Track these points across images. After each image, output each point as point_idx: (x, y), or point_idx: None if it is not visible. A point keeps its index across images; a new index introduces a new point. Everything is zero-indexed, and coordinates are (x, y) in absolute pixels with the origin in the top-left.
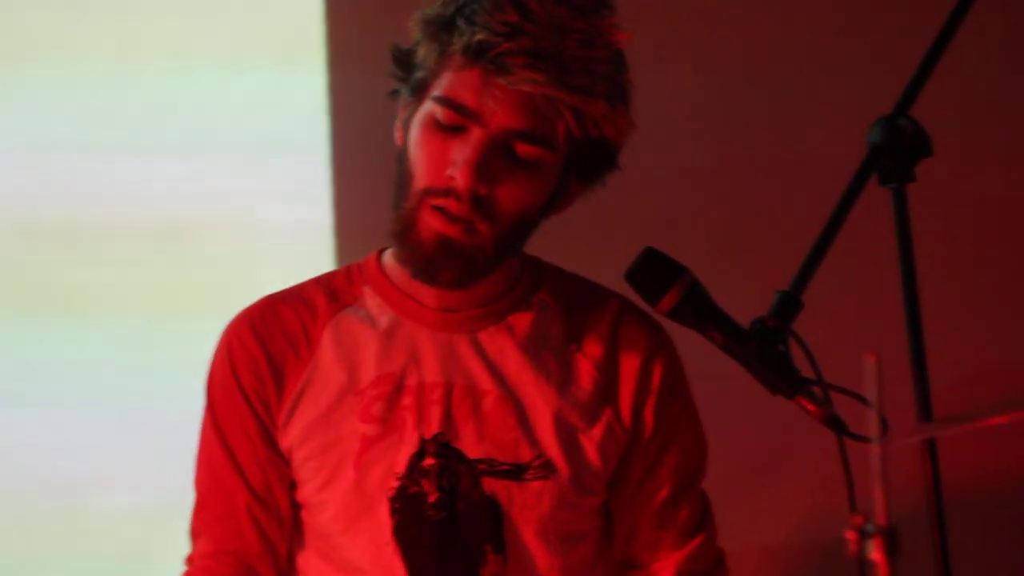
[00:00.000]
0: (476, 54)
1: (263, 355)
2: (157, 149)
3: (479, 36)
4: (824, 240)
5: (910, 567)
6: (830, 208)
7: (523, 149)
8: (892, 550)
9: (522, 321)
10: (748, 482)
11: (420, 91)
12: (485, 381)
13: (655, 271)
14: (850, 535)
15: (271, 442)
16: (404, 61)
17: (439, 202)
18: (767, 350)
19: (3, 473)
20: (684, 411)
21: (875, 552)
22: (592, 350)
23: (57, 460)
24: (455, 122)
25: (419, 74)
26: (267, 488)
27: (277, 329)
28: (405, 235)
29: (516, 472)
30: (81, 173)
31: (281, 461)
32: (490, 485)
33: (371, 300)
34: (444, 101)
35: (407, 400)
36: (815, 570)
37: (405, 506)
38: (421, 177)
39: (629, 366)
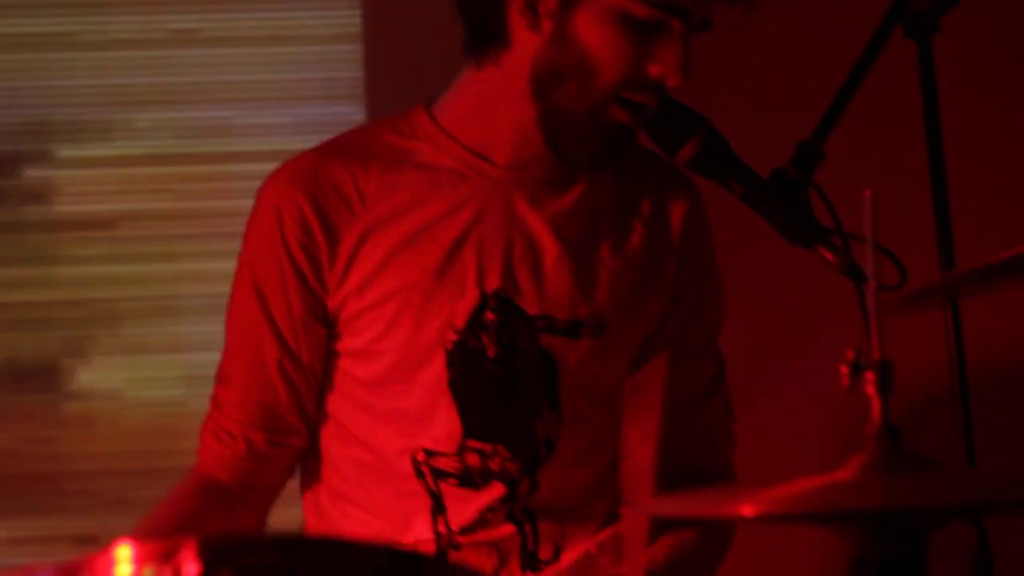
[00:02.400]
0: None
1: (314, 212)
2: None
3: None
4: (847, 91)
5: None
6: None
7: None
8: (885, 386)
9: (579, 182)
10: (768, 342)
11: None
12: (545, 238)
13: (674, 122)
14: (843, 369)
15: (311, 301)
16: None
17: (638, 97)
18: (787, 200)
19: None
20: (714, 268)
21: (868, 386)
22: (642, 209)
23: None
24: (656, 18)
25: None
26: (298, 344)
27: (328, 185)
28: (575, 126)
29: (572, 330)
30: None
31: (315, 321)
32: (548, 342)
33: (428, 154)
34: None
35: (468, 253)
36: (834, 434)
37: (463, 359)
38: (614, 72)
39: (674, 224)
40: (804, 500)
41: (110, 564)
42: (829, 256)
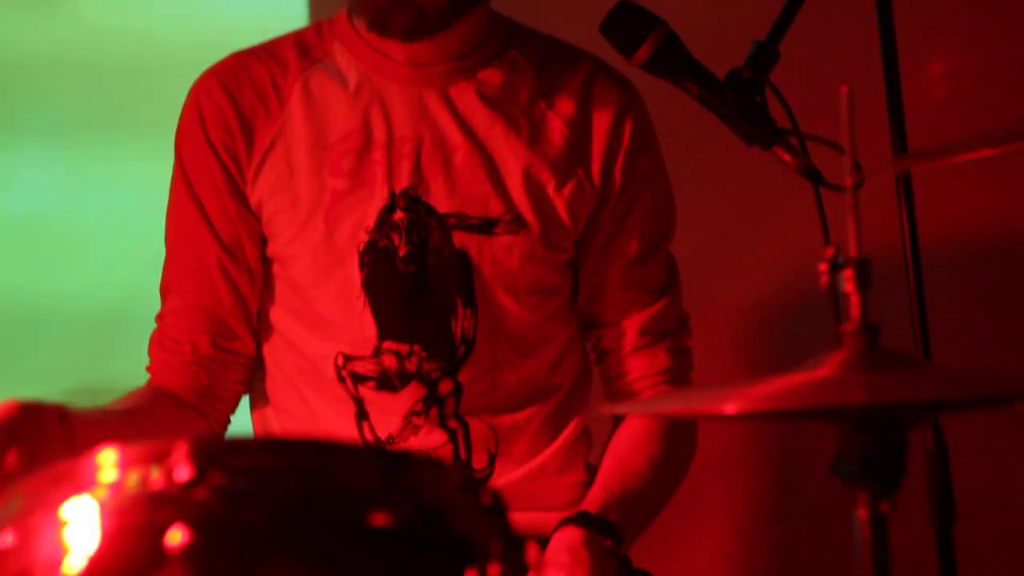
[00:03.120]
0: None
1: (232, 109)
2: None
3: None
4: None
5: (887, 308)
6: None
7: None
8: (863, 281)
9: (493, 77)
10: (722, 243)
11: None
12: (455, 136)
13: (630, 22)
14: (822, 267)
15: (240, 196)
16: None
17: None
18: (743, 101)
19: None
20: (654, 169)
21: (847, 283)
22: (563, 108)
23: None
24: None
25: None
26: (237, 242)
27: (247, 83)
28: None
29: (486, 226)
30: None
31: (250, 215)
32: (460, 239)
33: (341, 56)
34: None
35: (376, 154)
36: (790, 328)
37: (375, 259)
38: None
39: (600, 123)
40: (786, 397)
41: (96, 468)
42: (786, 157)
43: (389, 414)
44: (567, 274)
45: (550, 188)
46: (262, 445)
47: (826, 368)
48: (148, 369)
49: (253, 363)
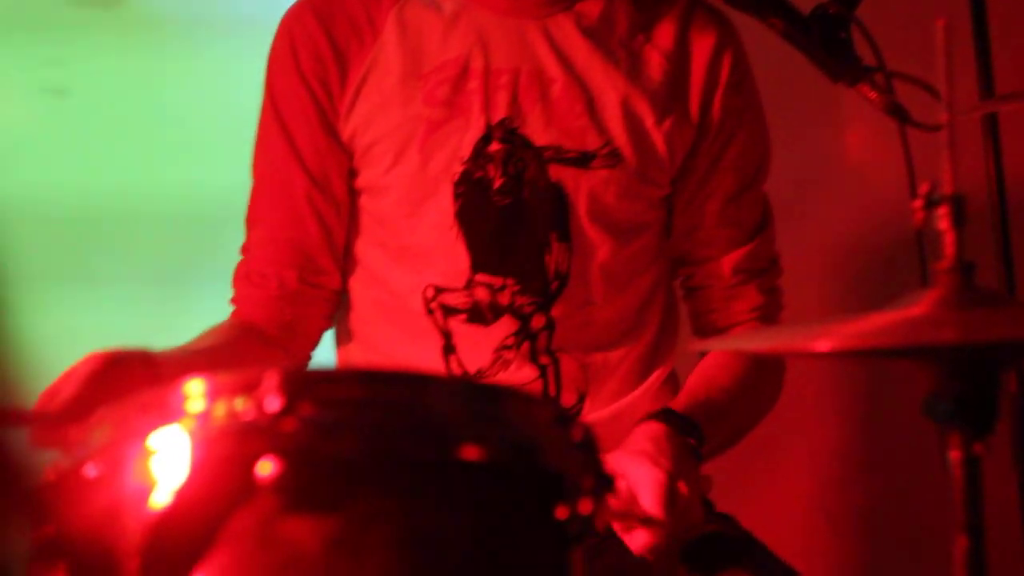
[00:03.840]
0: None
1: (326, 40)
2: None
3: None
4: None
5: (971, 249)
6: None
7: None
8: (959, 219)
9: (591, 9)
10: (807, 185)
11: None
12: (553, 68)
13: None
14: (916, 204)
15: (331, 128)
16: None
17: None
18: (829, 37)
19: None
20: (750, 106)
21: (942, 221)
22: (662, 41)
23: None
24: None
25: None
26: (325, 175)
27: (340, 14)
28: None
29: (583, 160)
30: None
31: (339, 148)
32: (557, 172)
33: None
34: None
35: (473, 85)
36: (876, 270)
37: (469, 191)
38: None
39: (699, 58)
40: (879, 335)
41: (184, 399)
42: (872, 94)
43: (479, 348)
44: (661, 211)
45: (649, 122)
46: (353, 376)
47: (919, 307)
48: (232, 301)
49: (338, 298)
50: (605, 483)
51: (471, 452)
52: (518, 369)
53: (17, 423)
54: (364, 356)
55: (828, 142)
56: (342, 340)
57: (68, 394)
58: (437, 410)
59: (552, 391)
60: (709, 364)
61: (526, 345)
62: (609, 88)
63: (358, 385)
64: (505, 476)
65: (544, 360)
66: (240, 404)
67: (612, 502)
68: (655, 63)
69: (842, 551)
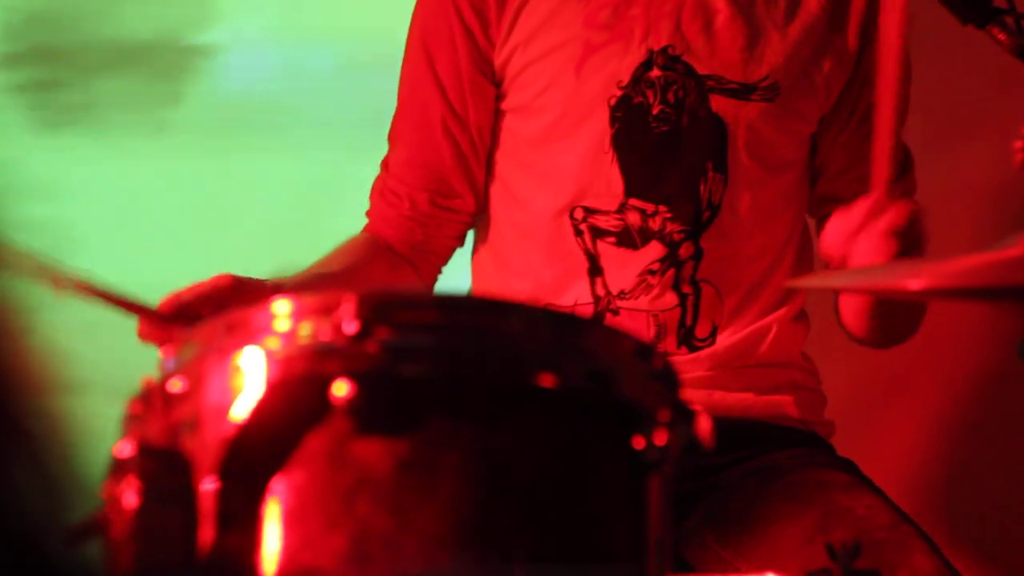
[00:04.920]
0: None
1: None
2: None
3: None
4: None
5: None
6: None
7: None
8: None
9: None
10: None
11: None
12: None
13: None
14: (1018, 144)
15: (478, 56)
16: None
17: None
18: None
19: None
20: (903, 48)
21: None
22: None
23: None
24: None
25: None
26: (463, 104)
27: None
28: None
29: (743, 91)
30: None
31: (484, 77)
32: (717, 103)
33: None
34: None
35: (636, 10)
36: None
37: (627, 115)
38: None
39: None
40: (974, 275)
41: (269, 318)
42: (1001, 36)
43: (625, 270)
44: (806, 148)
45: (809, 56)
46: (430, 302)
47: (1019, 248)
48: (367, 215)
49: (471, 219)
50: (684, 416)
51: (548, 379)
52: (659, 295)
53: (134, 313)
54: (500, 273)
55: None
56: (478, 253)
57: (184, 300)
58: (515, 337)
59: (688, 320)
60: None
61: (671, 272)
62: (770, 21)
63: (436, 310)
64: (581, 404)
65: (686, 289)
66: (319, 326)
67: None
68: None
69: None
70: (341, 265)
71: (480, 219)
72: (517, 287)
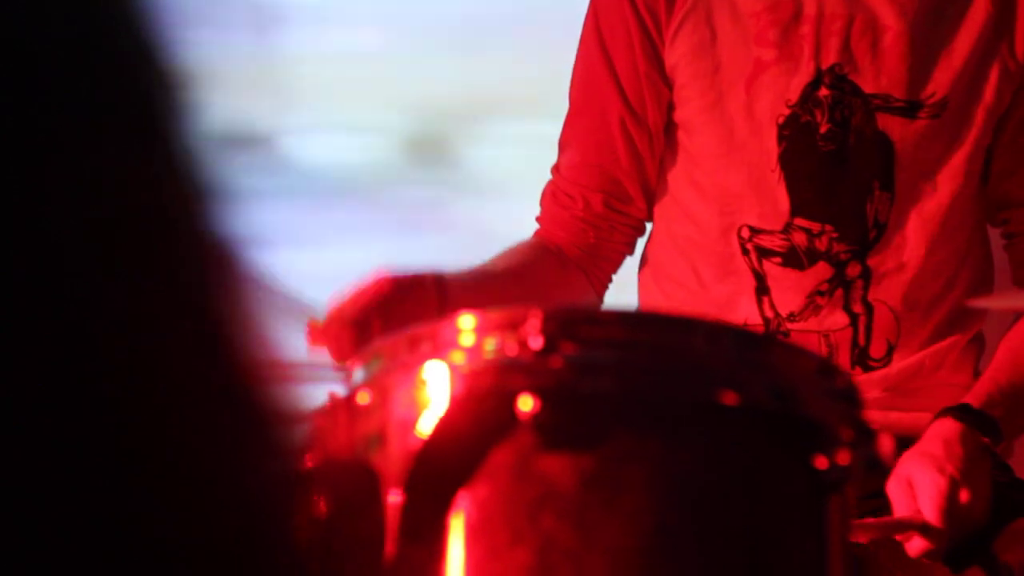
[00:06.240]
0: None
1: None
2: None
3: None
4: None
5: None
6: None
7: None
8: None
9: None
10: None
11: None
12: (887, 16)
13: None
14: None
15: (654, 56)
16: None
17: None
18: None
19: None
20: None
21: None
22: None
23: None
24: None
25: None
26: (641, 103)
27: None
28: None
29: (910, 109)
30: None
31: (660, 78)
32: (884, 121)
33: None
34: None
35: (805, 28)
36: None
37: (794, 134)
38: None
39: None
40: None
41: (455, 333)
42: None
43: (792, 291)
44: (980, 160)
45: (977, 69)
46: (615, 318)
47: None
48: (537, 219)
49: (642, 226)
50: (866, 436)
51: (731, 397)
52: (829, 315)
53: (307, 336)
54: (662, 286)
55: None
56: (645, 273)
57: (348, 314)
58: (698, 353)
59: (861, 340)
60: (1018, 338)
61: (839, 292)
62: (938, 37)
63: (620, 326)
64: (764, 422)
65: (857, 308)
66: (505, 341)
67: (894, 511)
68: (980, 6)
69: None
70: (507, 265)
71: (649, 231)
72: (685, 303)
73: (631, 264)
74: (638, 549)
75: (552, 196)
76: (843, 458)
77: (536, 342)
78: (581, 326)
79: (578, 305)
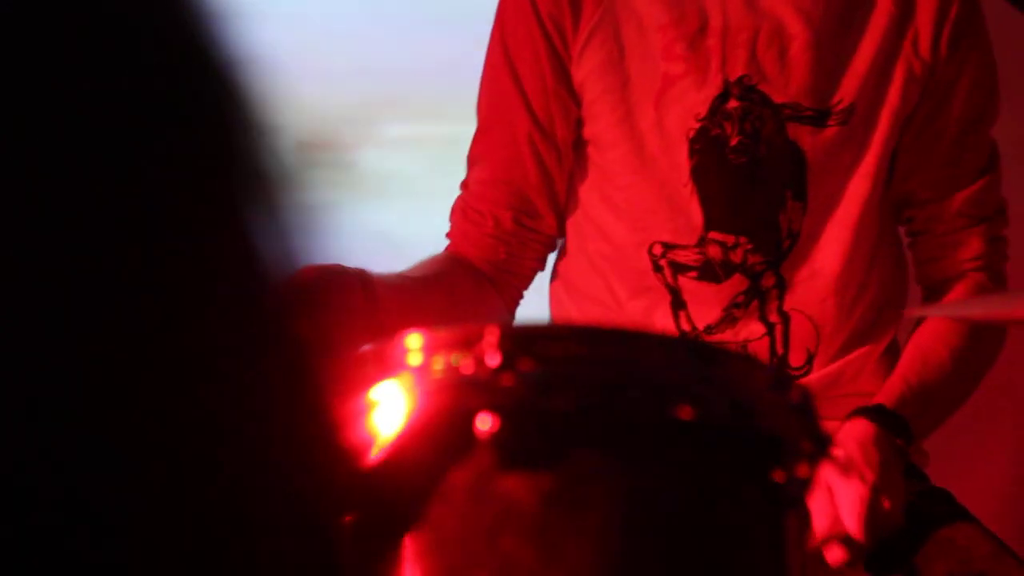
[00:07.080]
0: None
1: None
2: None
3: None
4: None
5: None
6: None
7: None
8: None
9: None
10: None
11: None
12: (794, 25)
13: None
14: None
15: (561, 72)
16: None
17: None
18: None
19: None
20: (978, 47)
21: None
22: None
23: None
24: None
25: None
26: (549, 119)
27: None
28: None
29: (819, 118)
30: None
31: (567, 94)
32: (794, 131)
33: None
34: None
35: (711, 41)
36: None
37: (705, 147)
38: None
39: None
40: None
41: (401, 353)
42: None
43: (709, 305)
44: (888, 159)
45: (882, 72)
46: (572, 333)
47: None
48: (448, 235)
49: (553, 242)
50: (822, 446)
51: (688, 412)
52: (745, 326)
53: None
54: (578, 303)
55: None
56: (556, 286)
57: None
58: (655, 369)
59: (779, 350)
60: (925, 337)
61: (755, 303)
62: (843, 43)
63: (577, 342)
64: (722, 437)
65: (773, 319)
66: (460, 359)
67: (813, 520)
68: (883, 7)
69: None
70: (426, 274)
71: (560, 246)
72: (599, 319)
73: (540, 277)
74: (600, 567)
75: (462, 212)
76: (802, 471)
77: (493, 359)
78: (538, 342)
79: (534, 321)
